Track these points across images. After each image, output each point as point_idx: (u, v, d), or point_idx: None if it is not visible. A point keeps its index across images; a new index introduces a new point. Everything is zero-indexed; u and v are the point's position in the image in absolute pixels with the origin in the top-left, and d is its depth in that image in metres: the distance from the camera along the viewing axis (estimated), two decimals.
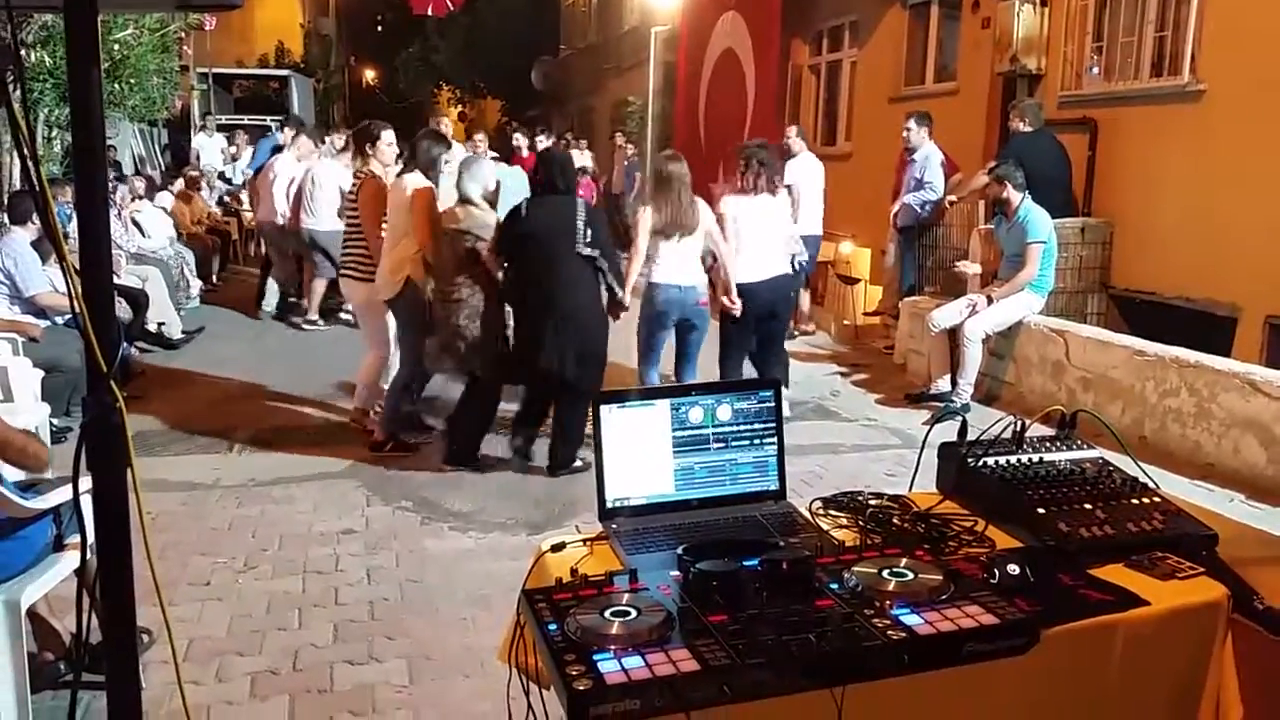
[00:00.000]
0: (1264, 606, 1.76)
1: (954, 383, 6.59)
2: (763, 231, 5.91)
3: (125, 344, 6.24)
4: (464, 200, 5.23)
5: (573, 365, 5.01)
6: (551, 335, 4.99)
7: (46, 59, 9.60)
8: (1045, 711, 1.72)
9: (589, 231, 5.04)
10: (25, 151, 1.32)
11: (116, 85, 11.17)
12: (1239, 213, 6.43)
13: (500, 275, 5.20)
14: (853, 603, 1.66)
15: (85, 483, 2.90)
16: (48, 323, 6.24)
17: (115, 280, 6.51)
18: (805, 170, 8.57)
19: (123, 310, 7.27)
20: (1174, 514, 2.02)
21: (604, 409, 2.08)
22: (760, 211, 5.91)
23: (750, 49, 13.43)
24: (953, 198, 8.06)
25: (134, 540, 1.68)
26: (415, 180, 5.40)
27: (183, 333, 8.43)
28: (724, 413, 2.15)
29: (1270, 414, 5.04)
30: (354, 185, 5.97)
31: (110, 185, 8.08)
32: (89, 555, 2.96)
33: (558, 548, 1.99)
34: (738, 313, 5.72)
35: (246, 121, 19.50)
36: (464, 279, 5.16)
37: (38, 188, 1.36)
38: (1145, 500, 2.06)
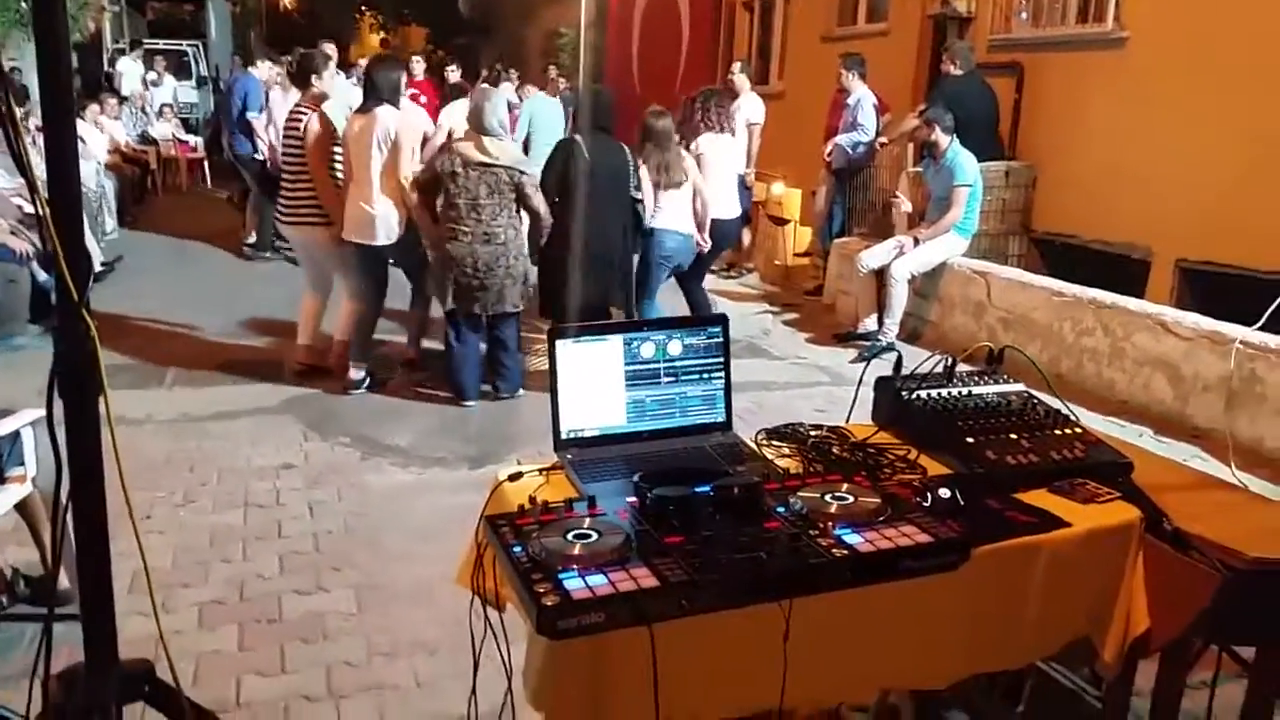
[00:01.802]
0: (1172, 528, 1.91)
1: (880, 322, 6.77)
2: (727, 169, 6.42)
3: (46, 275, 6.06)
4: (485, 131, 5.06)
5: (620, 297, 5.47)
6: (603, 270, 5.31)
7: None
8: (974, 623, 1.85)
9: (637, 176, 5.45)
10: None
11: (24, 3, 10.67)
12: (1154, 160, 6.67)
13: (546, 211, 5.18)
14: (799, 524, 1.76)
15: (29, 414, 2.89)
16: None
17: (30, 211, 6.26)
18: (759, 109, 8.76)
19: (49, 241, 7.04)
20: (1093, 444, 2.16)
21: (559, 343, 2.13)
22: (724, 149, 6.42)
23: None
24: (884, 139, 8.18)
25: None
26: (392, 113, 5.25)
27: (102, 264, 8.21)
28: (674, 348, 2.22)
29: (1179, 354, 5.30)
30: (295, 120, 5.58)
31: (22, 113, 7.76)
32: (33, 488, 2.96)
33: (515, 477, 2.05)
34: (707, 249, 6.16)
35: (162, 46, 18.74)
36: (508, 219, 5.07)
37: (7, 116, 1.36)
38: (1067, 431, 2.20)
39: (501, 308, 5.18)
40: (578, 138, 5.42)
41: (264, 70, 9.61)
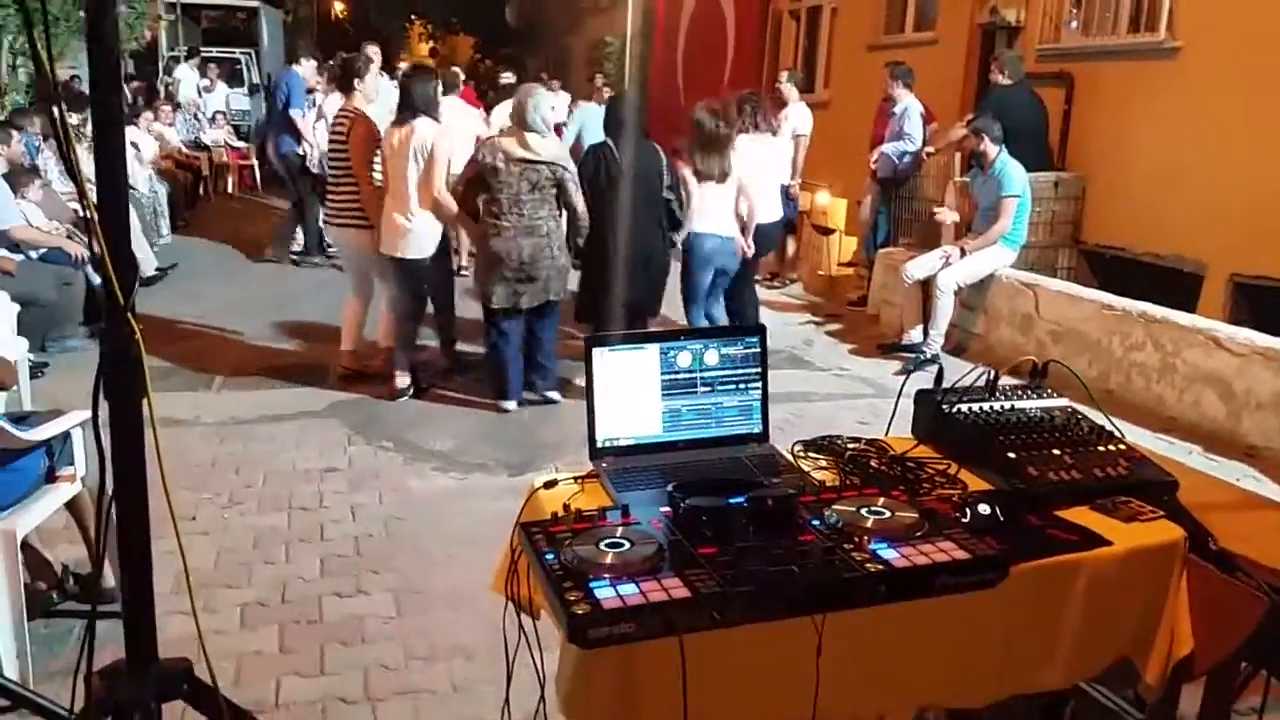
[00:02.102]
0: (1217, 548, 1.87)
1: (925, 334, 6.71)
2: (767, 170, 6.44)
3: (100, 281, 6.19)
4: (527, 127, 5.09)
5: (652, 298, 5.61)
6: (639, 271, 5.40)
7: None
8: (1012, 642, 1.82)
9: (669, 176, 5.53)
10: (48, 94, 1.35)
11: (83, 14, 10.93)
12: (1208, 172, 6.54)
13: (584, 209, 5.28)
14: (833, 538, 1.74)
15: (79, 415, 2.95)
16: (21, 257, 6.18)
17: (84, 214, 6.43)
18: (807, 119, 8.74)
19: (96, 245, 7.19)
20: (1138, 461, 2.12)
21: (595, 351, 2.14)
22: (762, 149, 6.44)
23: None
24: (931, 149, 8.11)
25: None
26: (430, 125, 5.29)
27: (156, 269, 8.38)
28: (711, 358, 2.22)
29: (1231, 370, 5.19)
30: (340, 123, 5.68)
31: (81, 119, 7.94)
32: (82, 487, 3.02)
33: (550, 484, 2.06)
34: (750, 254, 6.20)
35: (216, 54, 19.10)
36: (549, 211, 5.14)
37: (59, 124, 1.39)
38: (1111, 447, 2.16)
39: (546, 297, 5.23)
40: (609, 141, 5.47)
41: (307, 69, 9.65)
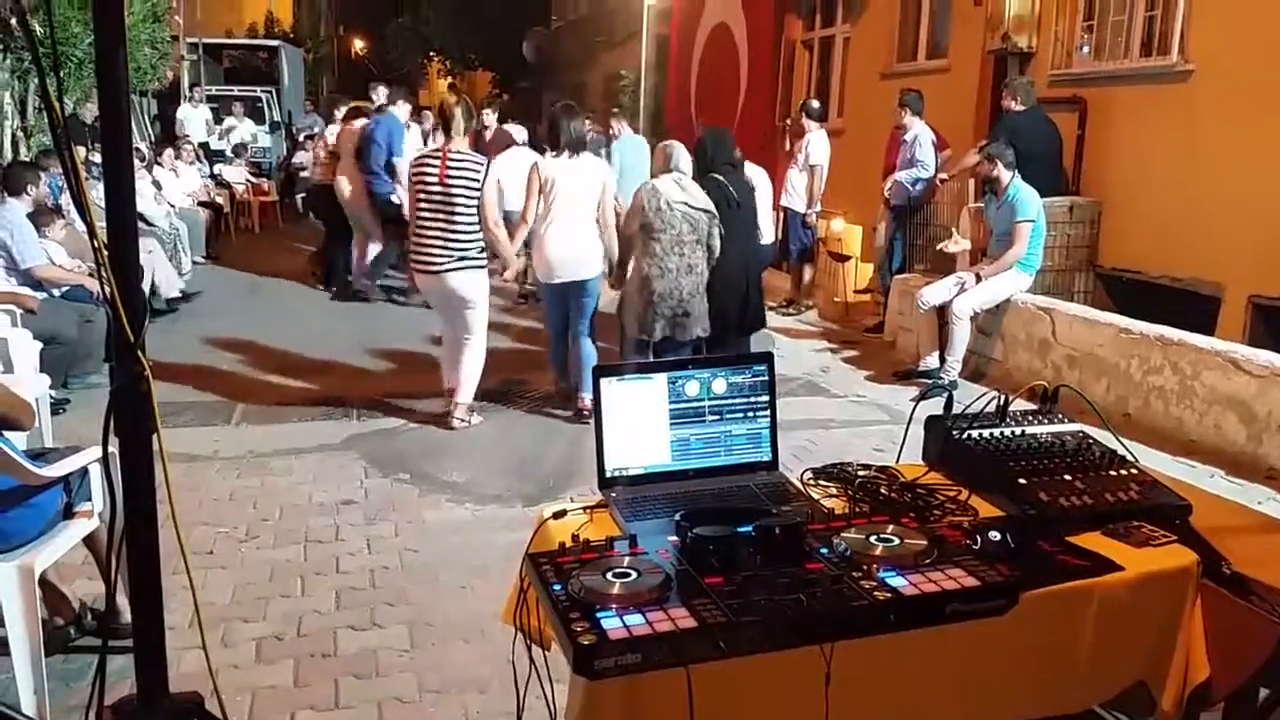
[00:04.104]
0: (1231, 572, 1.85)
1: (942, 360, 6.68)
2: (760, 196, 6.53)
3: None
4: (679, 174, 5.43)
5: (763, 313, 5.99)
6: (753, 289, 5.78)
7: (38, 27, 9.56)
8: (1023, 668, 1.81)
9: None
10: (56, 131, 1.38)
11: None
12: (1224, 193, 6.52)
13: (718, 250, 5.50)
14: (842, 566, 1.74)
15: (97, 451, 2.98)
16: (44, 295, 6.26)
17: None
18: (825, 148, 8.79)
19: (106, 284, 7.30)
20: (1150, 485, 2.11)
21: (604, 382, 2.15)
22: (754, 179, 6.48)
23: (743, 23, 13.43)
24: (944, 175, 8.12)
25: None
26: (596, 162, 5.71)
27: (180, 291, 8.52)
28: (719, 386, 2.22)
29: (1251, 392, 5.14)
30: (465, 165, 5.40)
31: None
32: (99, 523, 3.04)
33: (559, 515, 2.07)
34: None
35: (237, 92, 19.42)
36: (702, 254, 5.39)
37: (68, 165, 1.42)
38: (1123, 472, 2.15)
39: (698, 331, 5.46)
40: (718, 176, 5.62)
41: (403, 111, 9.43)
